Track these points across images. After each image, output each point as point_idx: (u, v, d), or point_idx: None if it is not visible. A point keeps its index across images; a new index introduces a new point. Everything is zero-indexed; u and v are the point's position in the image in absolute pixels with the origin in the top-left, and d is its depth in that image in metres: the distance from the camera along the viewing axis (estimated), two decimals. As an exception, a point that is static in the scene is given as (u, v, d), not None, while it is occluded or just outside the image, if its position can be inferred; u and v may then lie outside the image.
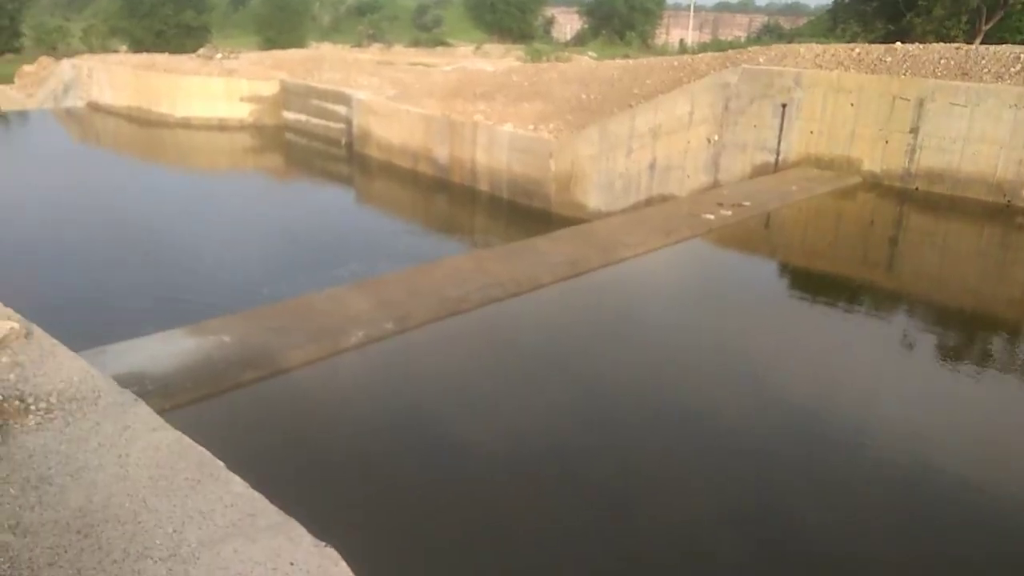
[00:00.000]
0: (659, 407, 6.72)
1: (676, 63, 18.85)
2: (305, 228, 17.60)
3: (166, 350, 5.95)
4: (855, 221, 13.06)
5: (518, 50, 48.45)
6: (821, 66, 14.74)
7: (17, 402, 3.60)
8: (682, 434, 6.31)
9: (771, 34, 70.84)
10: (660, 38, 64.00)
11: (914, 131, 13.09)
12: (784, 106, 14.39)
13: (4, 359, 4.02)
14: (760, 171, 14.91)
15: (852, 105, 13.68)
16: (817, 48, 15.28)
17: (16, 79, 40.56)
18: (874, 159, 13.69)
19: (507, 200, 19.38)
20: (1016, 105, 12.11)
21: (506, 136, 19.06)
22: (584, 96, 19.54)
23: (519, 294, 7.84)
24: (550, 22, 69.12)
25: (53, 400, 3.66)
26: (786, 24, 75.66)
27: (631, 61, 22.27)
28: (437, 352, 6.91)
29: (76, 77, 31.98)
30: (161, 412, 5.81)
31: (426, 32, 64.79)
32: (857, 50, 14.76)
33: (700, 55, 19.42)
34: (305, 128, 27.66)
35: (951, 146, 12.74)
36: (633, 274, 9.18)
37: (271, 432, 5.65)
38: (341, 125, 26.10)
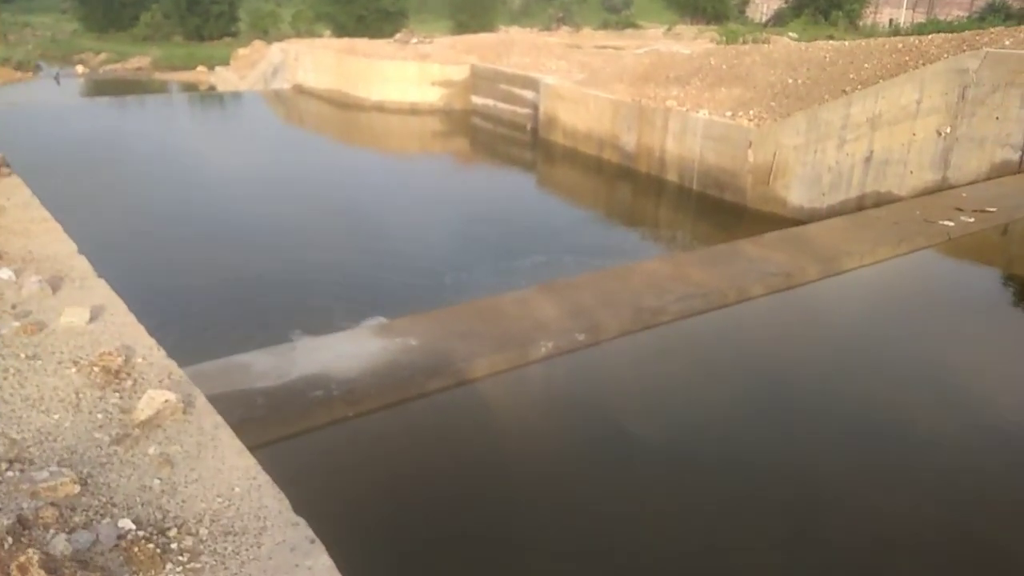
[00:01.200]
0: (902, 459, 5.66)
1: (901, 46, 16.78)
2: (487, 214, 17.47)
3: (352, 350, 5.72)
4: None
5: (712, 31, 46.22)
6: (1089, 46, 12.47)
7: (151, 544, 2.62)
8: (929, 490, 5.25)
9: (997, 14, 63.16)
10: (868, 18, 58.87)
11: None
12: (1038, 94, 12.32)
13: (151, 450, 3.21)
14: (1000, 170, 12.86)
15: None
16: (1086, 26, 12.95)
17: (231, 61, 44.01)
18: None
19: (696, 192, 18.23)
20: None
21: (700, 123, 17.89)
22: (790, 81, 17.92)
23: (724, 306, 6.98)
24: (745, 2, 65.60)
25: (203, 532, 2.74)
26: (1015, 3, 67.18)
27: (846, 43, 20.20)
28: (632, 368, 6.23)
29: (284, 60, 34.01)
30: (344, 419, 5.66)
31: (615, 14, 63.56)
32: None
33: (929, 37, 17.17)
34: (492, 113, 27.72)
35: None
36: (858, 288, 8.00)
37: (456, 448, 5.25)
38: (527, 110, 25.85)
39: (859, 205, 15.11)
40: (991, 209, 9.70)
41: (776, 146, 16.12)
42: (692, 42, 39.10)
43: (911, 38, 17.89)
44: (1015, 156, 12.69)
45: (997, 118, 12.78)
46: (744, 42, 37.49)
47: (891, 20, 63.98)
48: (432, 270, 13.43)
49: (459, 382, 5.60)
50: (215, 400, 3.53)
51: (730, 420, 5.80)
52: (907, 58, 15.95)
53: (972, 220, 9.27)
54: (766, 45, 21.22)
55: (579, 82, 23.30)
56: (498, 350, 5.77)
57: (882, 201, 14.73)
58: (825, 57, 18.01)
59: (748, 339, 6.97)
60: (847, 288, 7.87)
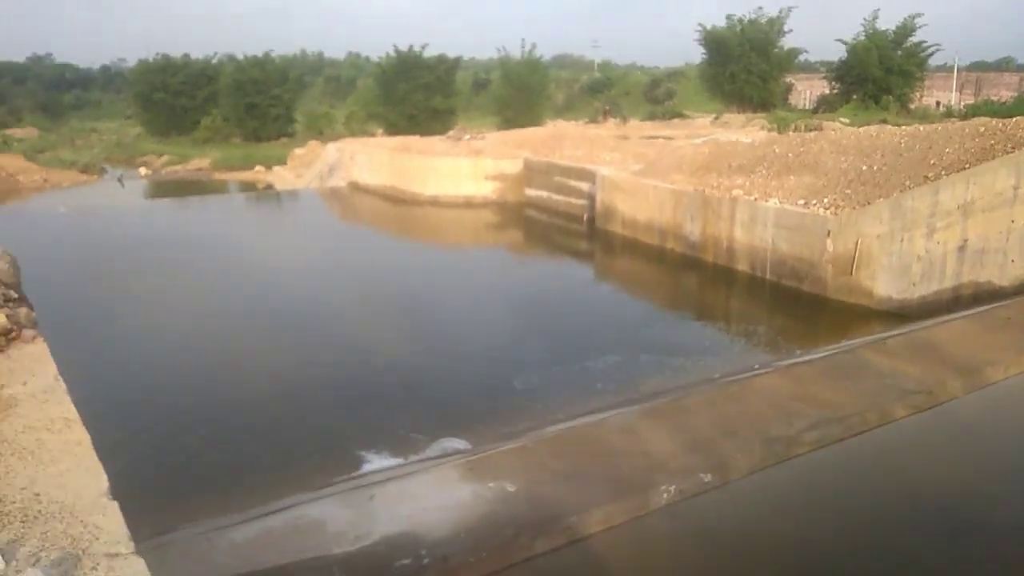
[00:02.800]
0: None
1: (983, 129, 15.97)
2: (551, 308, 16.73)
3: (441, 499, 4.90)
4: None
5: (760, 119, 46.09)
6: None
7: None
8: None
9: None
10: (916, 101, 58.21)
11: None
12: None
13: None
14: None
15: None
16: None
17: (288, 161, 45.09)
18: None
19: (770, 282, 17.32)
20: None
21: (771, 212, 17.13)
22: (864, 168, 17.15)
23: (863, 431, 6.01)
24: (788, 89, 65.74)
25: None
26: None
27: (921, 128, 19.46)
28: (773, 515, 5.27)
29: (339, 159, 34.55)
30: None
31: (658, 105, 64.21)
32: None
33: (1015, 120, 16.34)
34: (546, 204, 27.43)
35: None
36: (1010, 403, 6.97)
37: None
38: (583, 201, 25.49)
39: (955, 295, 14.03)
40: None
41: (858, 234, 15.23)
42: (742, 130, 38.85)
43: (994, 121, 17.05)
44: None
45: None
46: (796, 129, 37.10)
47: (938, 103, 63.36)
48: (498, 373, 12.64)
49: (571, 540, 4.71)
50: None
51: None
52: (992, 142, 15.12)
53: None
54: (833, 132, 20.56)
55: (636, 172, 22.89)
56: (614, 498, 4.88)
57: (981, 292, 13.66)
58: (900, 143, 17.26)
59: (902, 471, 5.95)
60: (998, 403, 6.84)
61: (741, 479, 5.27)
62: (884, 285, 14.98)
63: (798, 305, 16.10)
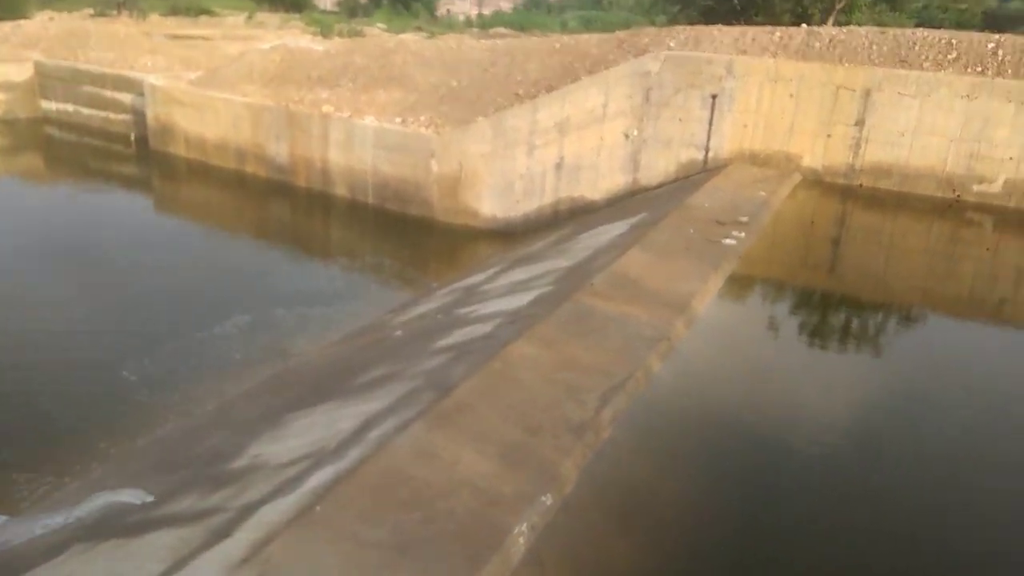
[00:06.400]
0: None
1: (558, 46, 16.94)
2: (123, 261, 13.50)
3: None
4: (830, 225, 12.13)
5: (297, 21, 43.98)
6: (745, 51, 13.63)
7: None
8: None
9: (539, 7, 71.21)
10: (439, 9, 61.55)
11: (859, 124, 12.37)
12: (715, 97, 13.11)
13: None
14: (687, 169, 13.57)
15: (791, 96, 12.70)
16: (734, 31, 14.13)
17: None
18: (815, 155, 12.83)
19: (374, 207, 16.47)
20: (968, 96, 11.74)
21: (371, 131, 16.10)
22: (454, 83, 17.06)
23: (638, 394, 5.60)
24: (314, -11, 63.93)
25: None
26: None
27: (500, 42, 20.01)
28: (629, 531, 4.51)
29: None
30: None
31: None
32: (778, 34, 13.82)
33: (585, 36, 17.65)
34: (74, 121, 22.22)
35: (899, 140, 12.20)
36: (723, 335, 7.26)
37: None
38: (126, 116, 21.21)
39: (555, 211, 14.89)
40: (743, 219, 9.83)
41: (462, 155, 15.15)
42: (286, 32, 36.50)
43: (565, 38, 18.27)
44: (699, 155, 13.48)
45: (681, 119, 13.40)
46: (340, 34, 36.12)
47: (448, 10, 67.87)
48: (92, 361, 9.67)
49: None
50: None
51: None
52: (570, 59, 16.12)
53: (743, 235, 9.23)
54: (413, 43, 20.04)
55: (196, 83, 19.66)
56: (473, 569, 3.60)
57: (577, 206, 14.69)
58: (483, 58, 17.50)
59: (707, 430, 5.69)
60: (715, 337, 7.06)
61: (575, 490, 4.41)
62: (490, 204, 15.25)
63: (404, 228, 15.62)
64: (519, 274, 9.74)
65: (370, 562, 3.65)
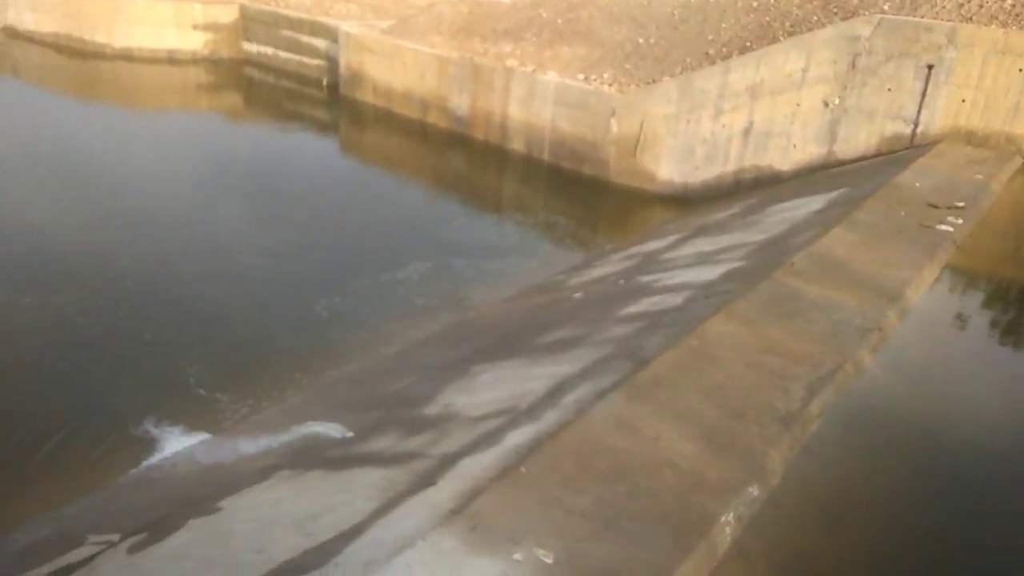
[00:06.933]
0: None
1: (756, 3, 16.02)
2: (311, 200, 14.22)
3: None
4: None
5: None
6: (970, 18, 12.32)
7: None
8: None
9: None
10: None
11: (1105, 105, 10.92)
12: (931, 68, 11.94)
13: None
14: (890, 144, 12.52)
15: (1021, 71, 11.36)
16: (962, -5, 12.79)
17: None
18: (1040, 136, 11.45)
19: (548, 164, 16.45)
20: None
21: (552, 87, 16.00)
22: (641, 41, 16.57)
23: (850, 389, 5.23)
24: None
25: None
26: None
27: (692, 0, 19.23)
28: (837, 531, 4.27)
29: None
30: None
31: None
32: (1011, 0, 12.38)
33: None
34: (272, 63, 23.60)
35: None
36: (946, 333, 6.70)
37: None
38: (320, 62, 22.26)
39: (736, 179, 14.25)
40: (960, 204, 8.95)
41: (644, 115, 14.74)
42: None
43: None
44: (906, 130, 12.40)
45: (889, 89, 12.34)
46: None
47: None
48: (288, 295, 10.29)
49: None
50: None
51: None
52: (769, 18, 15.21)
53: (961, 222, 8.41)
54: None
55: (387, 32, 20.25)
56: (679, 550, 3.50)
57: (762, 176, 13.98)
58: (673, 14, 16.85)
59: (909, 437, 5.29)
60: (930, 331, 6.51)
61: (782, 485, 4.17)
62: (668, 168, 14.82)
63: (582, 190, 15.47)
64: (704, 244, 9.40)
65: (576, 531, 3.63)
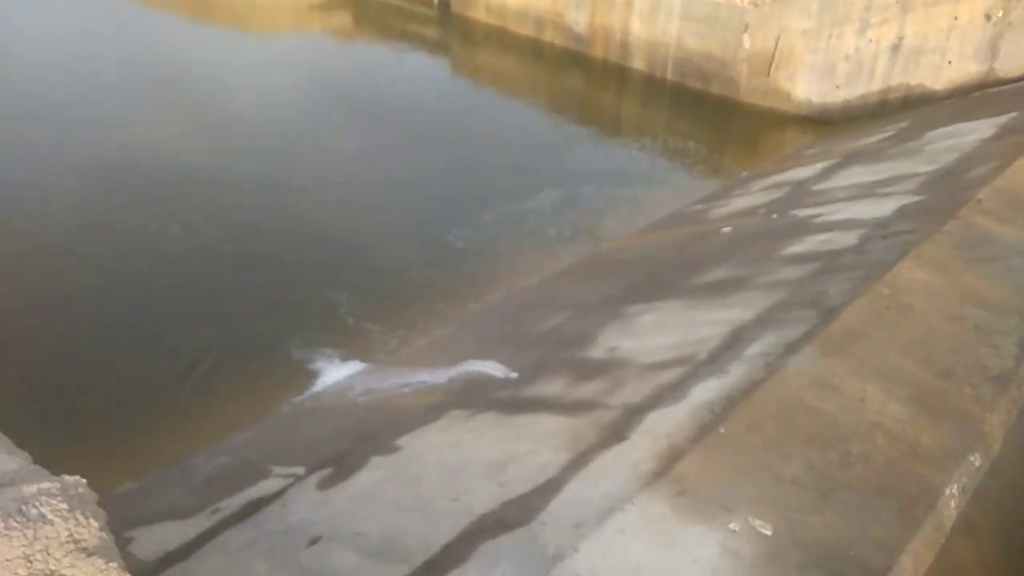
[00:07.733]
0: None
1: (910, -98, 14.48)
2: (430, 125, 14.05)
3: (676, 570, 3.05)
4: None
5: None
6: None
7: None
8: None
9: None
10: None
11: None
12: (1124, -30, 10.60)
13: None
14: (1064, 60, 11.31)
15: None
16: None
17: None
18: None
19: (672, 83, 15.71)
20: None
21: (677, 0, 15.10)
22: (777, -54, 15.30)
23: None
24: None
25: None
26: None
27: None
28: None
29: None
30: None
31: None
32: None
33: None
34: (382, -19, 23.22)
35: None
36: None
37: None
38: (430, -22, 21.73)
39: (882, 100, 13.23)
40: None
41: (780, 30, 13.77)
42: None
43: None
44: (1086, 45, 11.15)
45: (1069, 0, 11.07)
46: None
47: None
48: (419, 223, 10.28)
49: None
50: None
51: None
52: (925, -80, 13.72)
53: None
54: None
55: (499, -56, 19.47)
56: (903, 523, 3.29)
57: (911, 96, 12.92)
58: (814, -83, 15.40)
59: None
60: None
61: (1002, 453, 3.85)
62: (805, 87, 13.89)
63: (708, 110, 14.74)
64: (860, 174, 8.78)
65: (791, 501, 3.46)
